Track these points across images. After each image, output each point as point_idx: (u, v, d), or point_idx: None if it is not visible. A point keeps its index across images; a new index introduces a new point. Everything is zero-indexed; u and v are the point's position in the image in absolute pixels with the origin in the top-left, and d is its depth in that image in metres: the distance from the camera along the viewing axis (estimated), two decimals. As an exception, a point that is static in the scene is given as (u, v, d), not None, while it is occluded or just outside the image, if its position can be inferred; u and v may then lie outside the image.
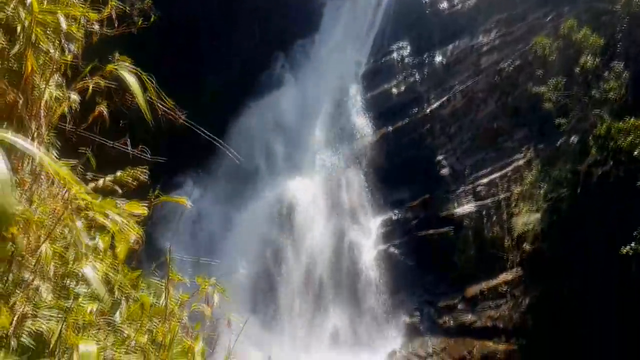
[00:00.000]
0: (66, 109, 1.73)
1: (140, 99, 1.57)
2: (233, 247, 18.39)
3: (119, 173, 3.28)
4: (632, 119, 12.02)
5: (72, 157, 2.25)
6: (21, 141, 1.04)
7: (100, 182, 3.25)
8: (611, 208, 12.50)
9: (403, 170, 19.50)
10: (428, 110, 20.02)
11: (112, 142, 2.05)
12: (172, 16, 19.61)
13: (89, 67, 1.78)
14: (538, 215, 14.68)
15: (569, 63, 14.79)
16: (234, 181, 21.54)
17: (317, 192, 20.10)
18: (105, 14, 1.89)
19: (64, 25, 1.69)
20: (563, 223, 13.66)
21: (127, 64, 1.59)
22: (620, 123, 12.27)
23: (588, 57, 14.01)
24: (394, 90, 21.64)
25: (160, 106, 1.84)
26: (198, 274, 3.10)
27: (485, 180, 17.28)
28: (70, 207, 1.71)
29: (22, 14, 1.51)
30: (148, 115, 1.67)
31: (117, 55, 1.76)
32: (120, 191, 3.06)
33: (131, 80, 1.60)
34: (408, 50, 22.34)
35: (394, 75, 22.01)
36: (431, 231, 18.05)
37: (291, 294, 18.26)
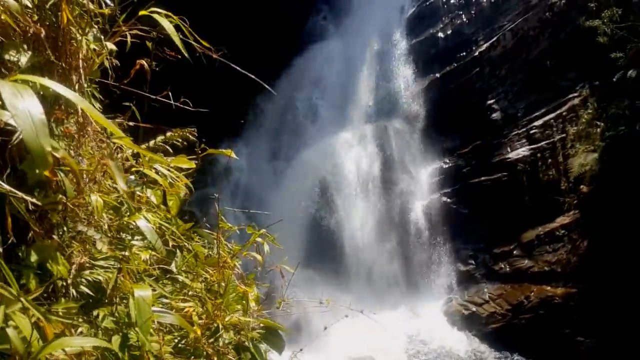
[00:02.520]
0: (106, 61, 1.75)
1: (175, 39, 1.56)
2: (283, 202, 18.67)
3: (168, 133, 3.33)
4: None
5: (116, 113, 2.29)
6: (59, 86, 1.05)
7: (151, 142, 3.30)
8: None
9: (452, 117, 19.07)
10: (477, 53, 19.28)
11: (154, 96, 2.07)
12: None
13: (123, 15, 1.78)
14: (595, 155, 14.13)
15: (625, -9, 13.86)
16: (280, 137, 21.76)
17: (364, 143, 19.98)
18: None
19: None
20: (622, 162, 13.11)
21: (159, 9, 1.58)
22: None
23: (648, -18, 13.07)
24: (440, 34, 20.88)
25: (198, 47, 1.83)
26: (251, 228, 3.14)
27: (539, 122, 16.68)
28: (114, 155, 1.74)
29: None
30: (184, 52, 1.67)
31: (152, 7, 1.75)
32: (171, 151, 3.12)
33: (165, 23, 1.59)
34: (453, -10, 21.42)
35: (439, 18, 21.20)
36: (484, 178, 17.73)
37: (343, 245, 18.48)
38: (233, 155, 2.45)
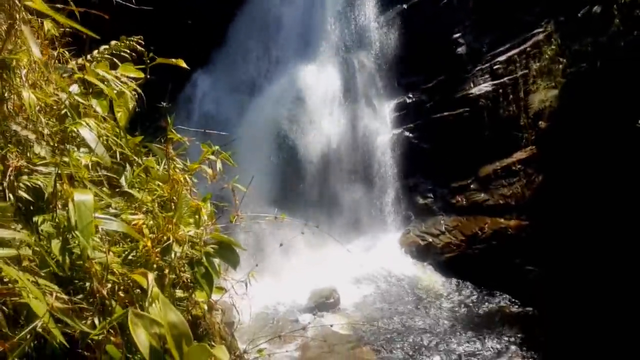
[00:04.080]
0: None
1: None
2: (248, 133, 18.46)
3: (113, 43, 3.13)
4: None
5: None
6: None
7: (95, 52, 3.11)
8: (632, 82, 12.07)
9: (419, 51, 18.85)
10: (445, -16, 18.83)
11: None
12: None
13: None
14: (556, 92, 14.32)
15: None
16: (244, 69, 21.24)
17: (329, 76, 19.66)
18: None
19: None
20: (580, 98, 13.33)
21: None
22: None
23: None
24: (409, -38, 20.28)
25: None
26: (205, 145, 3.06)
27: (503, 58, 16.66)
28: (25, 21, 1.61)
29: None
30: None
31: None
32: (119, 64, 2.96)
33: None
34: None
35: (409, -55, 20.51)
36: (446, 113, 17.78)
37: (305, 178, 18.55)
38: (183, 64, 2.35)
